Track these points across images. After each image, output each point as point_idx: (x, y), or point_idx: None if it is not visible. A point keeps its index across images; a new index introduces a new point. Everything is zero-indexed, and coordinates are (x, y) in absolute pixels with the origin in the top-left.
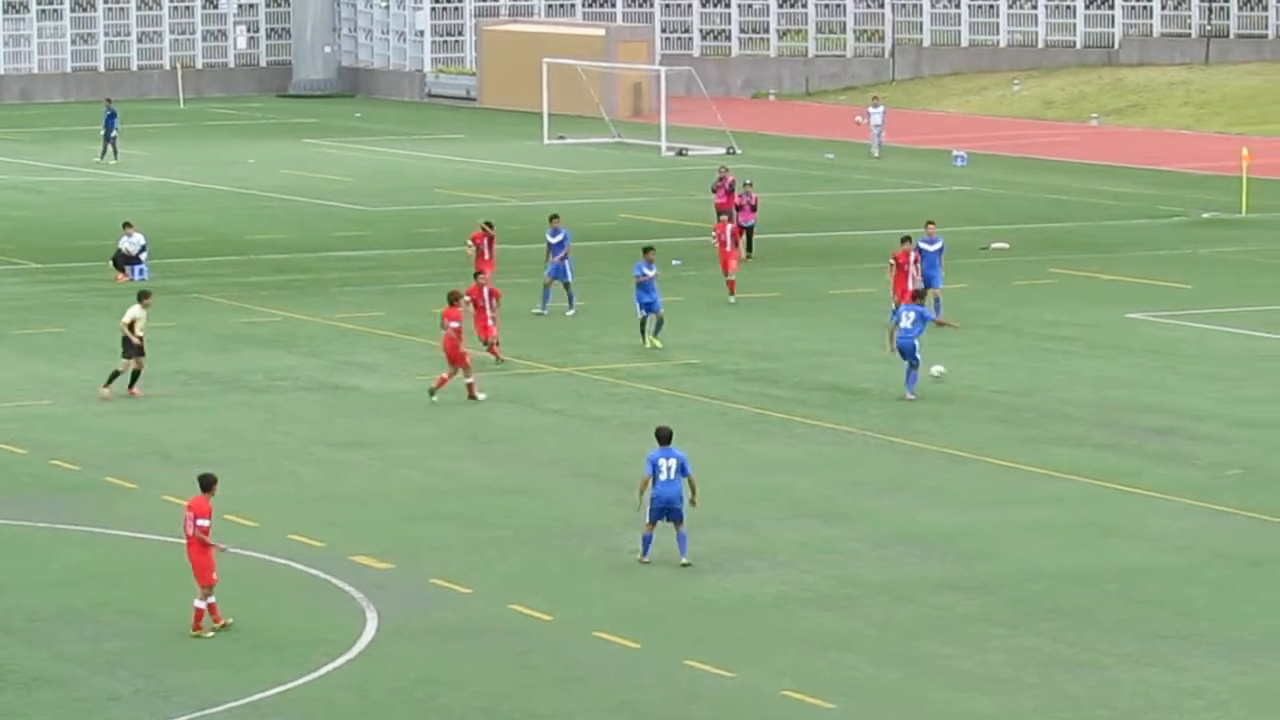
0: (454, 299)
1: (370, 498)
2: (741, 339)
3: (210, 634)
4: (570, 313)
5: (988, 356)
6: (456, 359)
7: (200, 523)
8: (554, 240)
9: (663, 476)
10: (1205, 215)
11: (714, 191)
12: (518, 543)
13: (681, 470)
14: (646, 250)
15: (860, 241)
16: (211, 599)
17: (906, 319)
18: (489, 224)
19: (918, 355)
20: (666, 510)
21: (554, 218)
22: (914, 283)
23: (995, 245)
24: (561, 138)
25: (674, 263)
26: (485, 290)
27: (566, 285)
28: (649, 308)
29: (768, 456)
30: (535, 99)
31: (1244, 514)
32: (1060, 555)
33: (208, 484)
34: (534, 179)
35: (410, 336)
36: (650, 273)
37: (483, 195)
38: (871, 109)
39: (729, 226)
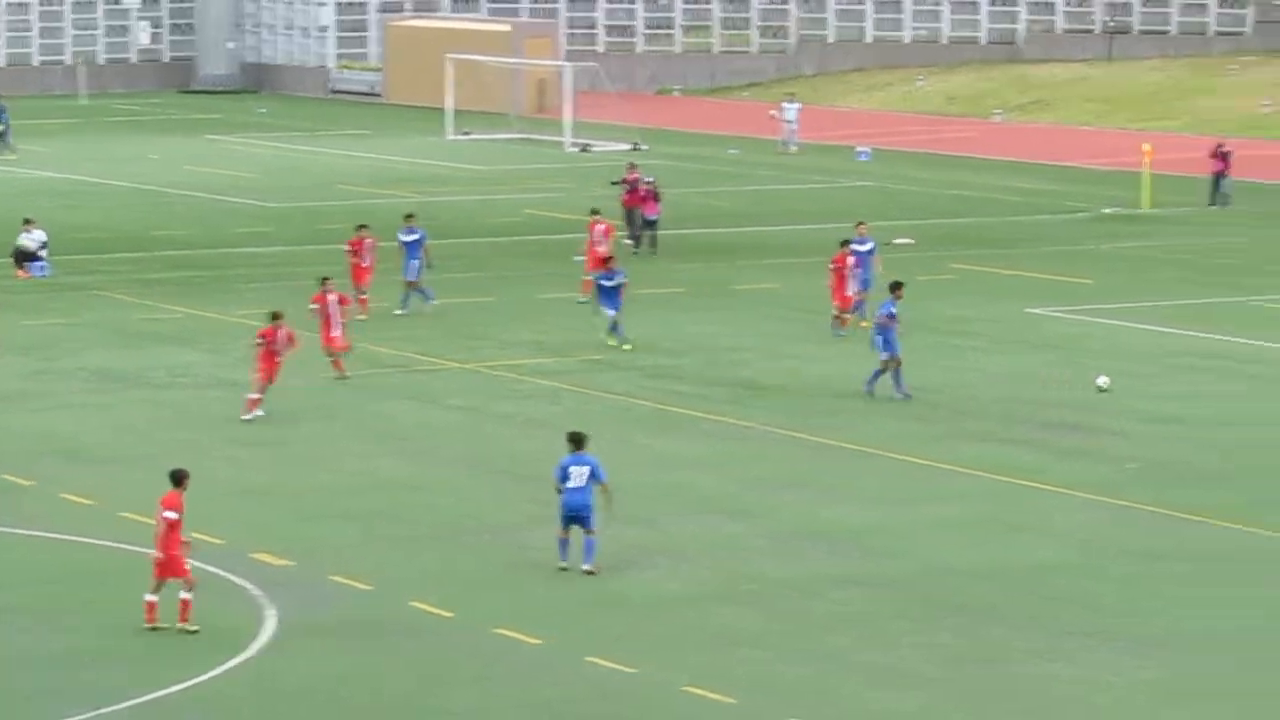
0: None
1: (271, 495)
2: (645, 334)
3: (184, 628)
4: (428, 306)
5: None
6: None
7: (167, 514)
8: (408, 240)
9: (572, 483)
10: (1107, 211)
11: (615, 185)
12: (420, 540)
13: (594, 476)
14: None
15: (765, 237)
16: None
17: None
18: (363, 226)
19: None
20: (575, 518)
21: (409, 217)
22: (853, 287)
23: (899, 241)
24: (466, 133)
25: (576, 258)
26: (332, 298)
27: (415, 284)
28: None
29: (672, 452)
30: (440, 95)
31: (1149, 509)
32: (967, 551)
33: (179, 479)
34: (438, 175)
35: (314, 333)
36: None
37: (387, 191)
38: (785, 104)
39: (600, 227)
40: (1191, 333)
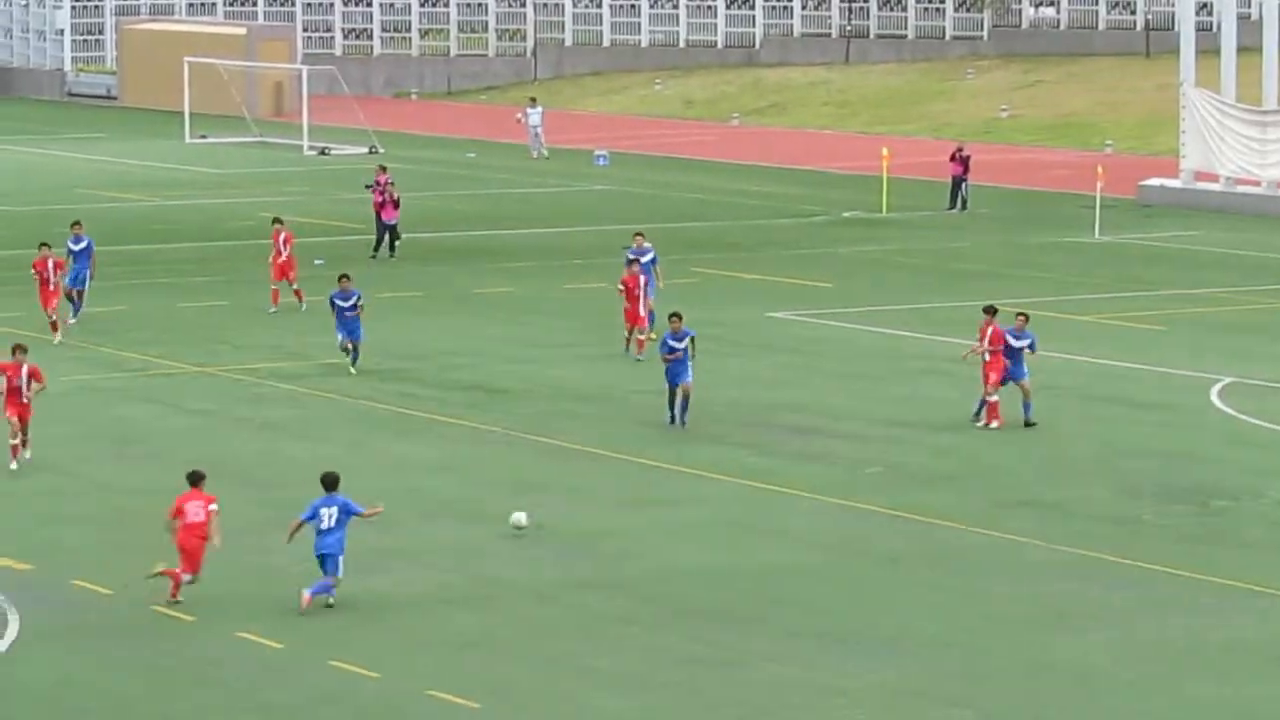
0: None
1: (10, 498)
2: (383, 339)
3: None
4: (72, 321)
5: (629, 356)
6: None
7: (212, 508)
8: (76, 248)
9: (323, 525)
10: (846, 215)
11: (368, 189)
12: (161, 544)
13: (346, 512)
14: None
15: (502, 241)
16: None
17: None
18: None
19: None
20: (324, 559)
21: (76, 224)
22: (644, 307)
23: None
24: (203, 137)
25: (316, 262)
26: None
27: (80, 294)
28: None
29: (410, 456)
30: (177, 98)
31: (884, 512)
32: (701, 554)
33: (197, 479)
34: (176, 178)
35: (49, 337)
36: None
37: (125, 195)
38: (530, 109)
39: (283, 235)
40: (928, 336)
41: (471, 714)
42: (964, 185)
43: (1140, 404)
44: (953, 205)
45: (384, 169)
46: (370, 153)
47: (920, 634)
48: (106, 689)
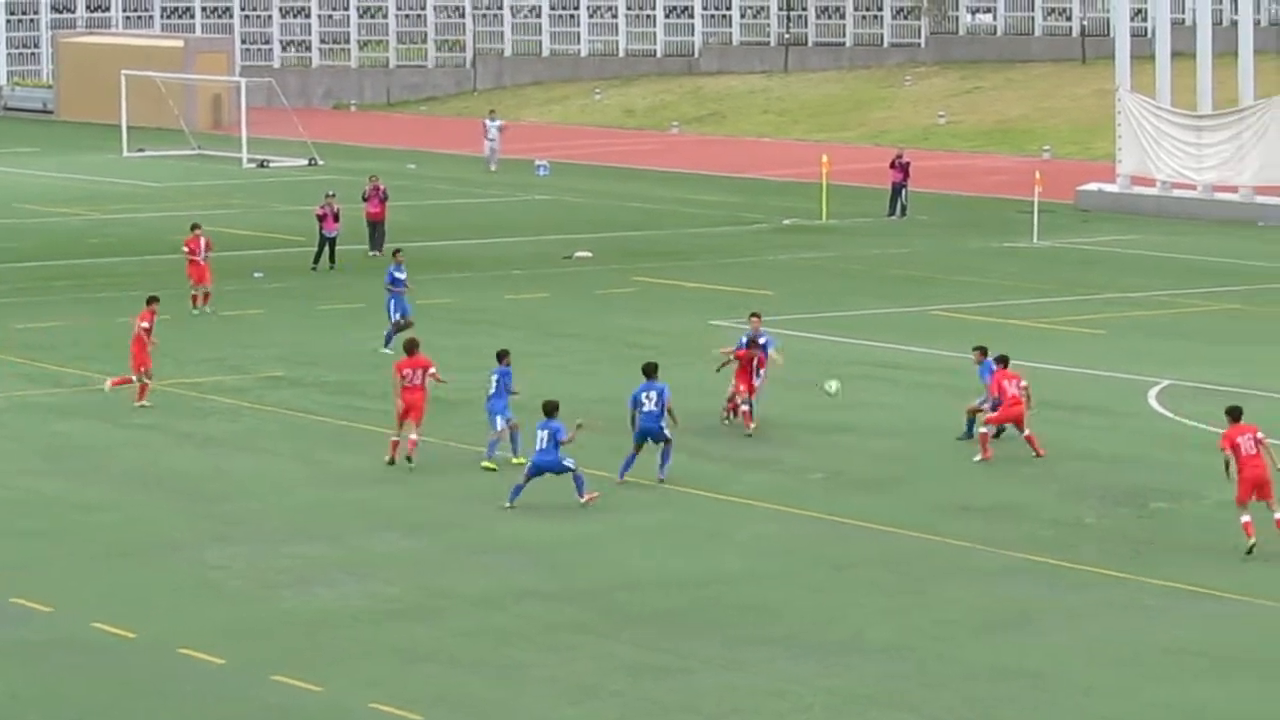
0: None
1: None
2: (325, 351)
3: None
4: None
5: (572, 366)
6: None
7: (432, 370)
8: None
9: (540, 446)
10: (786, 222)
11: (365, 200)
12: (101, 560)
13: (555, 438)
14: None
15: (443, 252)
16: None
17: (648, 400)
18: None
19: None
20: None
21: None
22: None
23: (578, 254)
24: (141, 150)
25: (255, 275)
26: None
27: None
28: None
29: (355, 468)
30: (114, 111)
31: (831, 518)
32: (650, 562)
33: (413, 347)
34: (114, 192)
35: None
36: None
37: (63, 210)
38: (488, 122)
39: (202, 240)
40: (868, 342)
41: None
42: (904, 192)
43: (1079, 407)
44: (892, 212)
45: (374, 177)
46: (310, 165)
47: (870, 639)
48: (47, 706)
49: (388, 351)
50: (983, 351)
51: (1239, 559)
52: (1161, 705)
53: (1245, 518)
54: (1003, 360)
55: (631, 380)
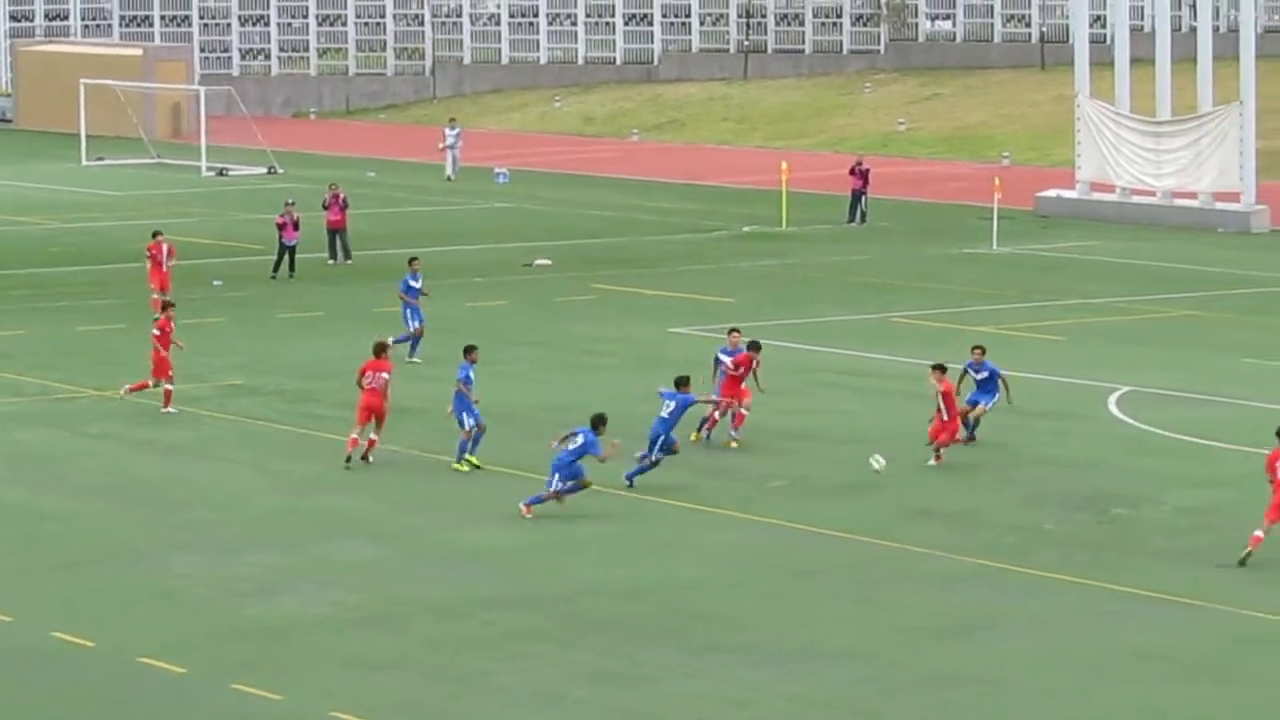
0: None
1: None
2: (284, 359)
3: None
4: None
5: (531, 374)
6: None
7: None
8: None
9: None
10: (746, 229)
11: (325, 208)
12: (59, 569)
13: (585, 448)
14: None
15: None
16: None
17: (665, 408)
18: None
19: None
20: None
21: None
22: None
23: (538, 262)
24: (100, 159)
25: (214, 283)
26: None
27: None
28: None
29: (313, 476)
30: (73, 120)
31: (792, 525)
32: (610, 570)
33: (380, 350)
34: (73, 201)
35: None
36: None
37: (22, 218)
38: (448, 130)
39: (164, 246)
40: (828, 349)
41: None
42: (863, 198)
43: (1039, 413)
44: (852, 218)
45: (334, 185)
46: (269, 173)
47: (830, 646)
48: (6, 716)
49: (416, 360)
50: (982, 351)
51: (1198, 564)
52: (1122, 710)
53: (1259, 532)
54: (940, 368)
55: (590, 388)
